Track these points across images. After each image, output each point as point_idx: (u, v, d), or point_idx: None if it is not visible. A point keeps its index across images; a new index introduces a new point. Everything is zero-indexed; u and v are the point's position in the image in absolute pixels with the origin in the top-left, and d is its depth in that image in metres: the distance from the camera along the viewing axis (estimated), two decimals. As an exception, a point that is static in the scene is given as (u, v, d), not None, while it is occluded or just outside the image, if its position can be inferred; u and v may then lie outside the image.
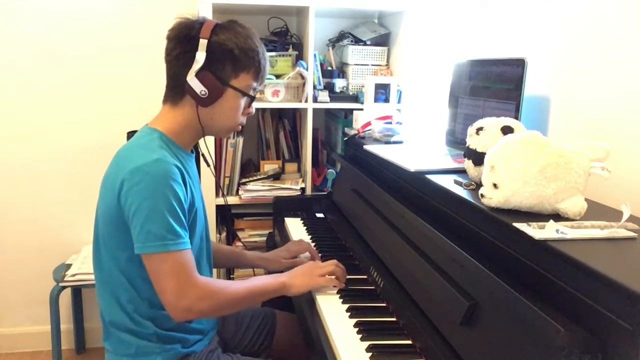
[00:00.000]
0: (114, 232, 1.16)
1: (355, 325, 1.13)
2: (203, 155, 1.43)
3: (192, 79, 1.16)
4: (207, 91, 1.17)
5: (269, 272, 1.58)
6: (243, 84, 1.21)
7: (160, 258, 1.09)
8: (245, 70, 1.20)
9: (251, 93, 1.24)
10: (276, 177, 2.17)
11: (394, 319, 1.16)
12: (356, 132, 1.90)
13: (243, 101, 1.24)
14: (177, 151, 1.21)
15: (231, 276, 2.19)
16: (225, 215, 2.24)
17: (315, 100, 2.08)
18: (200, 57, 1.15)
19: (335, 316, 1.18)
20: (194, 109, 1.20)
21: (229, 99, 1.21)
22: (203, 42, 1.15)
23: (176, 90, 1.21)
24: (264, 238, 2.17)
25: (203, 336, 1.31)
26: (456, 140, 1.56)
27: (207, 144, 1.97)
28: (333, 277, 1.29)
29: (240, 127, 1.29)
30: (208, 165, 1.44)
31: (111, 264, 1.18)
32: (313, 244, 1.63)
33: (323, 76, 2.16)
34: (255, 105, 2.05)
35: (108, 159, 1.22)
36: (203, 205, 1.34)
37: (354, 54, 2.19)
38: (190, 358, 1.25)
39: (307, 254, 1.55)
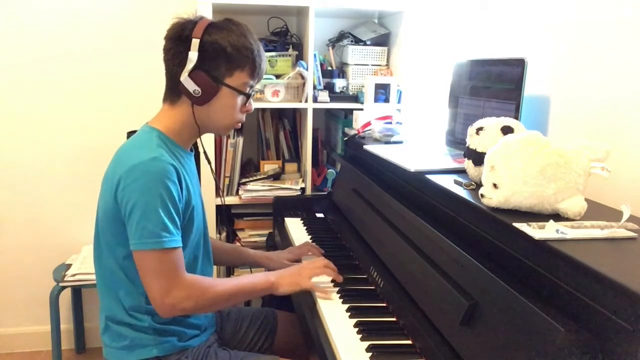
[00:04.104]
0: (112, 229, 1.18)
1: (355, 325, 1.13)
2: (205, 153, 1.43)
3: (185, 79, 1.17)
4: (200, 90, 1.18)
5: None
6: (238, 82, 1.22)
7: (152, 255, 1.11)
8: (240, 69, 1.21)
9: (247, 91, 1.25)
10: (276, 177, 2.17)
11: (394, 319, 1.16)
12: (356, 132, 1.90)
13: (239, 99, 1.25)
14: (176, 150, 1.23)
15: (231, 276, 2.19)
16: (224, 215, 2.24)
17: (315, 100, 2.08)
18: (193, 56, 1.16)
19: (335, 316, 1.18)
20: (191, 108, 1.22)
21: (224, 97, 1.22)
22: (195, 42, 1.16)
23: (173, 89, 1.23)
24: (264, 238, 2.17)
25: (200, 332, 1.32)
26: (456, 140, 1.56)
27: (207, 144, 1.99)
28: (321, 284, 1.30)
29: (239, 124, 1.30)
30: (209, 162, 1.44)
31: (110, 260, 1.20)
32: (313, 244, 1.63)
33: (323, 76, 2.16)
34: (255, 105, 2.07)
35: (108, 159, 1.22)
36: (201, 202, 1.35)
37: (354, 54, 2.19)
38: (187, 352, 1.26)
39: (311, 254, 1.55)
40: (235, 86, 1.22)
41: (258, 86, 2.03)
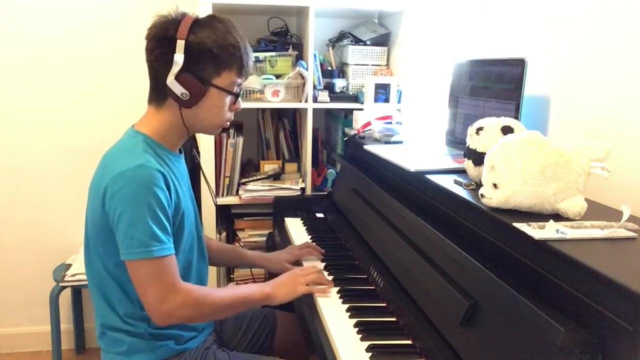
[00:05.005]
0: (101, 237, 1.15)
1: (355, 325, 1.13)
2: (194, 154, 1.42)
3: (172, 82, 1.13)
4: (188, 93, 1.15)
5: (270, 273, 1.58)
6: (226, 82, 1.19)
7: (144, 264, 1.09)
8: (227, 68, 1.18)
9: (235, 90, 1.22)
10: (276, 177, 2.16)
11: (394, 319, 1.16)
12: (356, 132, 1.90)
13: (228, 99, 1.22)
14: (163, 153, 1.20)
15: (231, 276, 2.19)
16: (223, 215, 2.24)
17: (315, 100, 2.08)
18: (179, 58, 1.12)
19: (335, 316, 1.18)
20: (178, 110, 1.18)
21: (212, 98, 1.19)
22: (181, 43, 1.12)
23: (159, 91, 1.19)
24: (264, 238, 2.17)
25: (198, 333, 1.31)
26: (456, 140, 1.55)
27: (207, 144, 1.99)
28: (315, 286, 1.30)
29: (227, 123, 1.27)
30: (197, 162, 1.42)
31: (101, 268, 1.18)
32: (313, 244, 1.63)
33: (323, 76, 2.16)
34: (255, 105, 2.07)
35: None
36: (193, 204, 1.33)
37: (354, 54, 2.19)
38: (185, 355, 1.25)
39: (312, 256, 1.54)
40: (224, 86, 1.19)
41: (258, 86, 2.03)
